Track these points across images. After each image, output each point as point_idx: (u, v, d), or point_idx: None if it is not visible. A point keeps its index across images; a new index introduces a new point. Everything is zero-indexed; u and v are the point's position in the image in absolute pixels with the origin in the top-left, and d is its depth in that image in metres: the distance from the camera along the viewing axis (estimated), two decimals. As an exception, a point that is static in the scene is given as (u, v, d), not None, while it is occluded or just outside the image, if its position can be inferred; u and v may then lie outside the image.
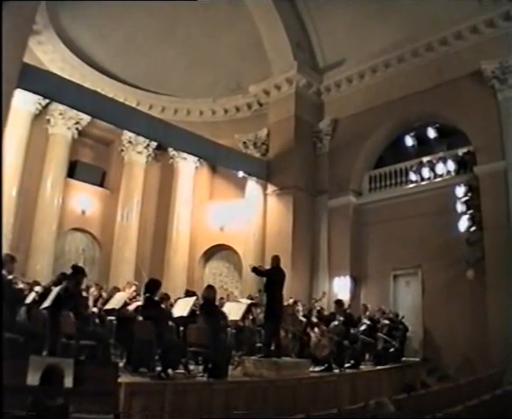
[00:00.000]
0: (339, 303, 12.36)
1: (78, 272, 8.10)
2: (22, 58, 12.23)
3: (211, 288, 9.33)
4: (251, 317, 11.90)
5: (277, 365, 9.36)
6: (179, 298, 10.50)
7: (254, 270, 10.56)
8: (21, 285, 9.88)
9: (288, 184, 17.70)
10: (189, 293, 10.90)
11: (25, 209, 16.76)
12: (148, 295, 8.42)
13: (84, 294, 10.24)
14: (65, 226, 18.33)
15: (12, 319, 7.25)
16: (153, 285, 8.61)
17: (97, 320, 10.25)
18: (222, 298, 13.92)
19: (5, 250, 9.59)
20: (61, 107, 17.19)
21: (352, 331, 12.09)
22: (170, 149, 19.87)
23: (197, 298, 9.86)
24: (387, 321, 14.06)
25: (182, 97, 20.60)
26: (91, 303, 10.43)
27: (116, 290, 11.24)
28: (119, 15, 18.40)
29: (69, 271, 8.22)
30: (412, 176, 16.59)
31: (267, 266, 10.78)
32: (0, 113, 10.30)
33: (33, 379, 5.04)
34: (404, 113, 16.92)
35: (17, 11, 10.64)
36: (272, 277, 10.07)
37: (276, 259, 10.28)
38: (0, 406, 4.34)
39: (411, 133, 17.47)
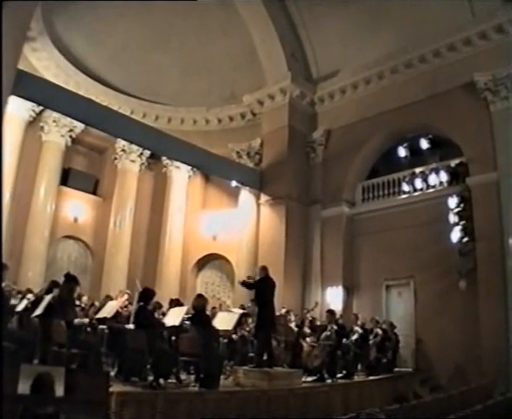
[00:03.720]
0: (331, 313, 12.36)
1: (70, 280, 8.07)
2: (16, 64, 12.22)
3: (200, 297, 9.31)
4: (247, 329, 11.86)
5: (269, 375, 9.34)
6: (169, 308, 10.45)
7: (243, 283, 10.56)
8: (13, 293, 9.86)
9: (281, 194, 17.71)
10: (172, 302, 10.87)
11: (18, 215, 16.69)
12: (141, 304, 8.40)
13: (77, 303, 10.24)
14: (57, 233, 18.27)
15: (3, 327, 7.21)
16: (147, 295, 8.59)
17: (89, 329, 10.21)
18: (214, 308, 13.88)
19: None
20: (55, 115, 17.17)
21: (344, 341, 12.09)
22: (164, 158, 19.85)
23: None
24: (380, 331, 14.07)
25: (175, 106, 20.62)
26: (82, 313, 10.40)
27: (109, 298, 11.21)
28: (113, 22, 18.46)
29: (62, 279, 8.19)
30: (405, 187, 16.64)
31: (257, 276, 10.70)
32: (1, 116, 10.29)
33: (24, 387, 5.01)
34: (397, 124, 16.98)
35: (13, 17, 10.62)
36: (260, 288, 10.06)
37: (264, 270, 10.29)
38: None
39: (404, 144, 17.53)
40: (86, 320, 8.39)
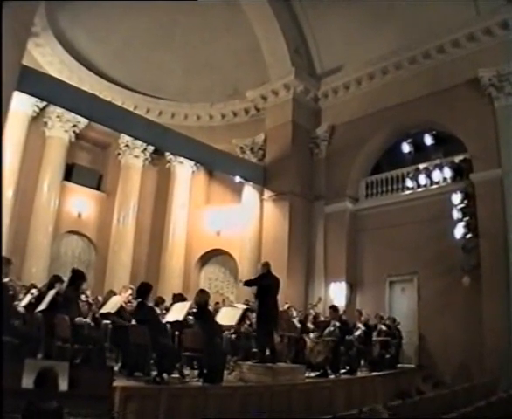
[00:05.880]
0: (334, 309, 12.35)
1: (78, 277, 8.08)
2: (20, 61, 12.21)
3: (203, 292, 9.31)
4: (248, 322, 11.88)
5: (272, 370, 9.35)
6: (172, 303, 10.46)
7: (246, 283, 10.59)
8: (17, 288, 9.88)
9: (285, 190, 17.69)
10: (175, 297, 10.88)
11: (21, 211, 16.75)
12: (140, 300, 8.40)
13: (83, 298, 10.29)
14: (61, 229, 18.32)
15: (7, 322, 7.23)
16: (144, 290, 8.58)
17: (92, 324, 10.22)
18: (217, 303, 13.91)
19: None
20: (59, 110, 17.19)
21: (347, 337, 12.09)
22: (167, 153, 19.88)
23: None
24: (384, 327, 14.07)
25: (179, 101, 20.63)
26: (86, 308, 10.43)
27: (112, 293, 11.22)
28: (117, 18, 18.43)
29: (67, 275, 8.22)
30: (409, 183, 16.62)
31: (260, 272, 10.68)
32: (0, 116, 10.30)
33: (28, 382, 5.03)
34: (401, 120, 16.96)
35: (16, 13, 10.63)
36: (262, 285, 10.05)
37: (266, 265, 10.23)
38: (0, 408, 4.35)
39: (408, 140, 17.52)
40: (88, 320, 8.38)
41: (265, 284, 9.96)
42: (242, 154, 19.64)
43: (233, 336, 11.39)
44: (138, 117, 17.37)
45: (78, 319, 7.61)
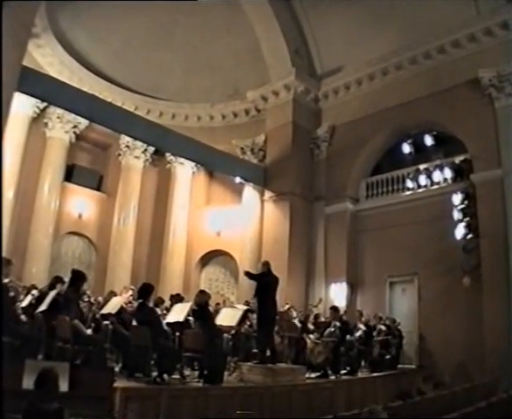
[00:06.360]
0: (335, 309, 12.34)
1: (78, 277, 8.07)
2: (21, 62, 12.20)
3: (202, 293, 9.32)
4: (248, 323, 11.88)
5: (272, 371, 9.35)
6: (170, 303, 10.46)
7: (247, 274, 10.58)
8: (19, 289, 9.89)
9: (285, 190, 17.69)
10: (173, 298, 10.88)
11: (22, 212, 16.75)
12: (141, 301, 8.40)
13: (85, 299, 10.28)
14: (61, 230, 18.32)
15: (8, 323, 7.22)
16: (145, 290, 8.57)
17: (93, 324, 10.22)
18: (218, 304, 13.89)
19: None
20: (59, 111, 17.19)
21: (348, 337, 12.08)
22: (168, 154, 19.88)
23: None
24: (384, 327, 14.06)
25: (179, 102, 20.63)
26: (87, 309, 10.44)
27: (113, 294, 11.22)
28: (117, 19, 18.44)
29: (67, 275, 8.21)
30: (409, 183, 16.62)
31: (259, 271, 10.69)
32: (0, 116, 10.30)
33: (28, 383, 5.03)
34: (401, 121, 16.95)
35: (17, 14, 10.63)
36: (262, 282, 10.05)
37: (266, 264, 10.25)
38: (0, 408, 4.35)
39: (409, 141, 17.50)
40: (89, 331, 8.37)
41: (264, 281, 9.96)
42: (242, 155, 19.64)
43: (233, 338, 11.35)
44: (138, 118, 17.37)
45: (76, 322, 7.59)
